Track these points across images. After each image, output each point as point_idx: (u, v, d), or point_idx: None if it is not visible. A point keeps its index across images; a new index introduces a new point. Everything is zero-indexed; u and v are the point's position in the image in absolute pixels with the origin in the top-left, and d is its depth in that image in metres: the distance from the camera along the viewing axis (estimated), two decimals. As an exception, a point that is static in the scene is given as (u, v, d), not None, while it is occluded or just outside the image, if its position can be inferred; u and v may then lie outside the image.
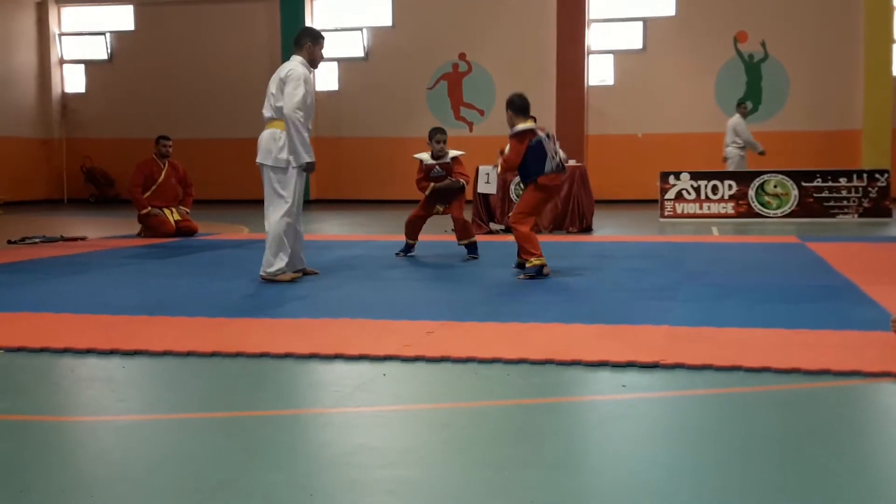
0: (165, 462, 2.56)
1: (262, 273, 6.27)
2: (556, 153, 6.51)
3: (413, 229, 8.18)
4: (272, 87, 6.26)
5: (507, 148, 6.63)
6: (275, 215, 6.26)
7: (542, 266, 6.39)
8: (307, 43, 6.39)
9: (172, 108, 19.11)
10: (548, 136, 6.55)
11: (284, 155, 6.23)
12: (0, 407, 3.19)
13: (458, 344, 4.00)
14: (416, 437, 2.84)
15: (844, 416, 3.02)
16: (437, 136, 7.99)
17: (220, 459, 2.57)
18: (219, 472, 2.46)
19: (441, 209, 8.13)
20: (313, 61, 6.42)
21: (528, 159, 6.46)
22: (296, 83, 6.18)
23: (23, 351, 4.01)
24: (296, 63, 6.30)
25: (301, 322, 4.62)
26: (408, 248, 8.17)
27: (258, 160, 6.32)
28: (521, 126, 6.47)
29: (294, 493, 2.29)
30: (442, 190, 8.00)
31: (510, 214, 7.01)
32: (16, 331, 4.40)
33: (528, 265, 6.42)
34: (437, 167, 7.99)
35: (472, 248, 7.94)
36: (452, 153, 8.08)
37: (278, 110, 6.21)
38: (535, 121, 6.66)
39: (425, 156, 8.08)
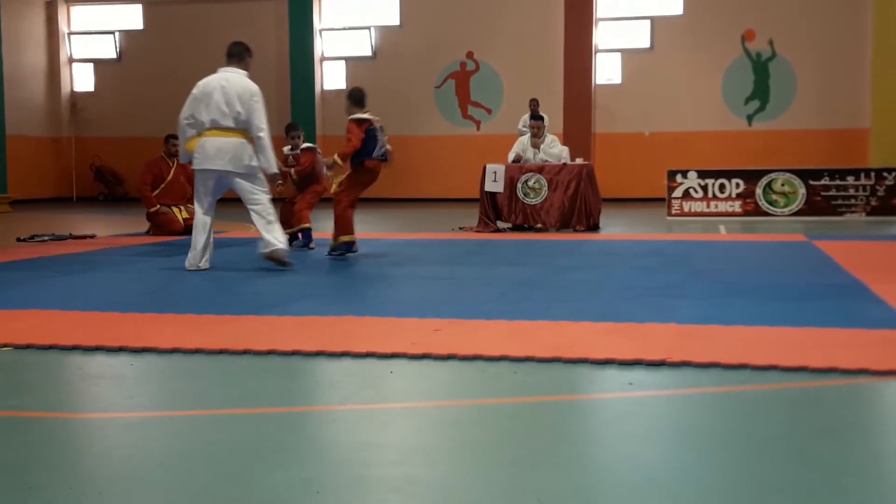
0: (173, 459, 2.57)
1: (273, 255, 6.82)
2: (383, 144, 7.61)
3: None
4: (235, 101, 6.73)
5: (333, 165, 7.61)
6: (266, 198, 6.88)
7: (348, 244, 7.56)
8: (248, 58, 7.01)
9: (181, 107, 19.13)
10: (380, 128, 7.61)
11: (253, 163, 6.82)
12: (9, 404, 3.20)
13: (465, 342, 4.00)
14: (423, 435, 2.84)
15: (852, 415, 3.01)
16: (292, 133, 8.90)
17: (228, 456, 2.58)
18: (226, 469, 2.47)
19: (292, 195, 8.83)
20: (247, 75, 7.00)
21: (363, 143, 7.47)
22: (261, 101, 6.82)
23: (31, 348, 4.03)
24: (246, 78, 6.90)
25: (308, 319, 4.63)
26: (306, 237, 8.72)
27: (228, 168, 6.76)
28: (359, 115, 7.54)
29: (301, 491, 2.30)
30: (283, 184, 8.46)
31: (334, 190, 7.72)
32: (24, 328, 4.42)
33: (336, 242, 7.55)
34: (291, 157, 8.81)
35: (294, 238, 8.51)
36: (305, 145, 8.93)
37: (244, 123, 6.76)
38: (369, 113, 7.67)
39: (287, 148, 8.91)
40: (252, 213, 6.93)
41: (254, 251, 7.94)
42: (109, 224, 12.36)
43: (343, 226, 7.61)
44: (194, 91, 6.90)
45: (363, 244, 8.85)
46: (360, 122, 7.52)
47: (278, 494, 2.26)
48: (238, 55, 6.93)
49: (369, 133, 7.52)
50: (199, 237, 6.82)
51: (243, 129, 6.77)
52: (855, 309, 4.82)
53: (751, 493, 2.25)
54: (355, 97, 7.64)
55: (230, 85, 6.76)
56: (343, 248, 7.59)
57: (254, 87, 6.84)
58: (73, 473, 2.46)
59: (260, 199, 6.87)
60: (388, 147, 7.73)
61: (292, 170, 8.71)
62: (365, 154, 7.53)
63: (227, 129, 6.74)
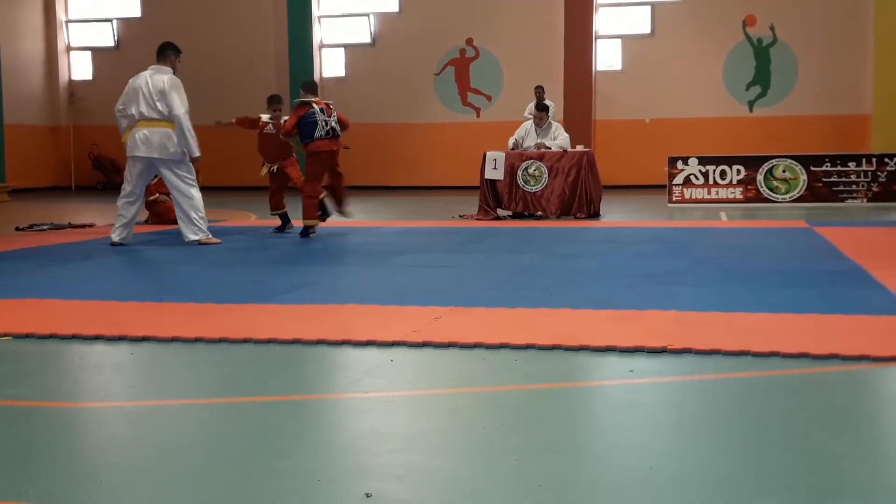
0: (173, 448, 2.57)
1: (199, 239, 7.66)
2: (326, 123, 8.13)
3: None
4: (154, 93, 7.59)
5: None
6: (195, 191, 7.78)
7: (310, 228, 8.21)
8: (172, 55, 7.87)
9: (179, 95, 19.09)
10: (322, 109, 8.16)
11: (178, 149, 7.68)
12: (8, 393, 3.20)
13: (466, 329, 3.99)
14: (424, 423, 2.84)
15: (853, 401, 3.01)
16: (274, 104, 9.13)
17: (229, 445, 2.57)
18: (226, 458, 2.46)
19: (267, 171, 8.98)
20: (175, 70, 7.87)
21: (301, 126, 8.11)
22: (180, 90, 7.68)
23: (31, 337, 4.02)
24: (169, 74, 7.74)
25: (309, 308, 4.62)
26: (281, 229, 8.98)
27: (154, 155, 7.64)
28: (301, 100, 8.19)
29: (302, 479, 2.29)
30: (264, 146, 8.95)
31: (300, 182, 8.53)
32: (24, 317, 4.42)
33: (305, 224, 8.19)
34: (270, 125, 8.96)
35: (285, 220, 8.91)
36: (285, 118, 9.00)
37: (164, 113, 7.58)
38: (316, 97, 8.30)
39: (265, 115, 9.12)
40: (175, 201, 7.80)
41: (254, 240, 7.95)
42: (108, 213, 12.33)
43: (310, 212, 8.24)
44: (126, 87, 7.82)
45: (363, 232, 8.84)
46: (298, 108, 8.20)
47: (280, 482, 2.26)
48: (161, 54, 7.87)
49: (308, 117, 8.10)
50: (128, 211, 7.75)
51: (169, 119, 7.62)
52: (856, 295, 4.82)
53: (752, 479, 2.25)
54: (305, 85, 8.42)
55: (153, 80, 7.67)
56: (303, 231, 8.25)
57: (173, 78, 7.72)
58: (72, 462, 2.46)
59: (182, 188, 7.71)
60: (334, 124, 8.23)
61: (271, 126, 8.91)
62: (307, 138, 8.15)
63: (153, 120, 7.62)
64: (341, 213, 8.78)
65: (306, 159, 8.32)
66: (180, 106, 7.60)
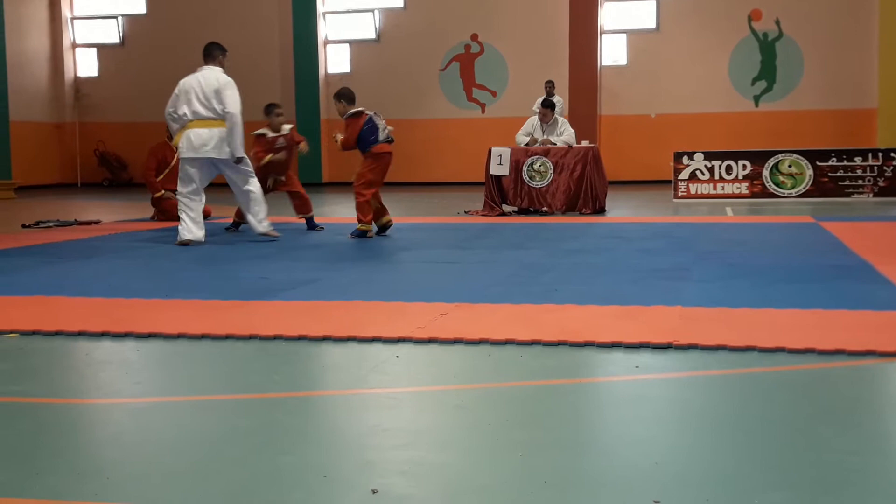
0: (179, 444, 2.57)
1: (266, 231, 7.73)
2: (384, 128, 8.11)
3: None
4: (208, 92, 7.52)
5: (341, 132, 8.20)
6: (257, 184, 7.83)
7: (367, 231, 7.99)
8: (220, 55, 7.77)
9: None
10: (375, 114, 8.12)
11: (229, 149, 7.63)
12: (15, 390, 3.20)
13: (471, 326, 3.99)
14: (430, 419, 2.84)
15: (859, 397, 3.00)
16: (276, 110, 8.79)
17: (234, 441, 2.58)
18: (232, 454, 2.47)
19: (272, 182, 8.68)
20: (224, 69, 7.77)
21: (364, 134, 8.01)
22: (235, 88, 7.60)
23: (37, 334, 4.03)
24: (220, 72, 7.67)
25: (314, 304, 4.63)
26: (235, 226, 8.71)
27: (212, 155, 7.55)
28: (352, 110, 8.07)
29: (308, 475, 2.30)
30: (278, 161, 8.63)
31: (355, 181, 8.18)
32: (30, 314, 4.43)
33: (357, 228, 7.97)
34: (281, 138, 8.66)
35: (312, 222, 8.70)
36: (286, 127, 8.89)
37: (219, 111, 7.51)
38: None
39: (265, 130, 8.75)
40: (239, 197, 7.80)
41: (257, 236, 7.95)
42: (114, 210, 12.37)
43: (365, 214, 8.03)
44: (175, 90, 7.71)
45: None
46: (356, 117, 8.05)
47: (285, 479, 2.26)
48: (209, 54, 7.77)
49: (366, 124, 8.02)
50: (198, 208, 7.64)
51: (221, 117, 7.55)
52: (862, 290, 4.80)
53: (758, 475, 2.24)
54: (347, 96, 8.17)
55: (206, 79, 7.60)
56: (358, 234, 8.00)
57: (227, 77, 7.66)
58: (79, 459, 2.47)
59: (244, 184, 7.72)
60: (389, 129, 8.22)
61: (272, 154, 8.60)
62: (371, 142, 8.03)
63: (207, 119, 7.55)
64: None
65: (368, 162, 8.08)
66: (235, 103, 7.53)
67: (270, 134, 8.69)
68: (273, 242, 7.64)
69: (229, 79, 7.64)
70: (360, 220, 8.02)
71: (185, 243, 7.46)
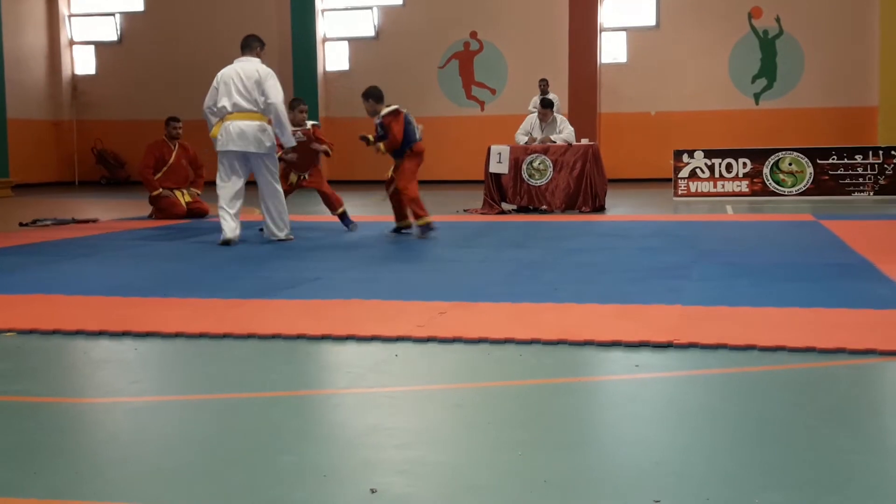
0: (178, 443, 2.56)
1: (283, 236, 7.60)
2: (417, 125, 8.09)
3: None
4: (248, 83, 7.37)
5: (374, 134, 7.95)
6: (280, 187, 7.70)
7: (430, 223, 7.78)
8: (257, 46, 7.63)
9: (182, 90, 19.06)
10: (407, 112, 8.01)
11: (273, 143, 7.56)
12: (13, 389, 3.19)
13: (471, 324, 3.98)
14: (429, 418, 2.83)
15: (860, 395, 2.99)
16: (300, 106, 8.71)
17: (233, 440, 2.57)
18: (231, 453, 2.46)
19: (296, 179, 8.60)
20: (261, 62, 7.64)
21: (406, 132, 7.85)
22: (276, 79, 7.51)
23: (35, 333, 4.02)
24: (259, 62, 7.53)
25: (313, 303, 4.62)
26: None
27: (250, 149, 7.41)
28: (388, 109, 7.84)
29: (307, 474, 2.29)
30: (290, 160, 8.42)
31: (399, 183, 8.00)
32: (28, 313, 4.41)
33: (419, 223, 7.77)
34: (298, 132, 8.40)
35: (346, 218, 8.55)
36: (309, 123, 8.78)
37: (259, 103, 7.39)
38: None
39: None
40: (263, 197, 7.63)
41: (259, 235, 7.94)
42: (112, 208, 12.36)
43: (420, 207, 7.91)
44: (214, 82, 7.54)
45: (367, 227, 8.84)
46: (395, 115, 7.85)
47: (284, 478, 2.25)
48: (248, 45, 7.63)
49: (407, 120, 7.94)
50: (236, 203, 7.50)
51: (260, 110, 7.43)
52: (862, 289, 4.80)
53: (758, 474, 2.23)
54: (376, 95, 7.97)
55: (245, 70, 7.45)
56: (426, 229, 7.82)
57: (258, 65, 7.50)
58: (77, 458, 2.46)
59: (271, 184, 7.63)
60: (421, 126, 8.24)
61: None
62: (412, 141, 7.98)
63: (247, 112, 7.40)
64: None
65: (409, 160, 7.97)
66: (278, 94, 7.41)
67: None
68: (273, 243, 7.60)
69: (269, 69, 7.52)
70: (418, 217, 7.83)
71: (227, 242, 7.28)
